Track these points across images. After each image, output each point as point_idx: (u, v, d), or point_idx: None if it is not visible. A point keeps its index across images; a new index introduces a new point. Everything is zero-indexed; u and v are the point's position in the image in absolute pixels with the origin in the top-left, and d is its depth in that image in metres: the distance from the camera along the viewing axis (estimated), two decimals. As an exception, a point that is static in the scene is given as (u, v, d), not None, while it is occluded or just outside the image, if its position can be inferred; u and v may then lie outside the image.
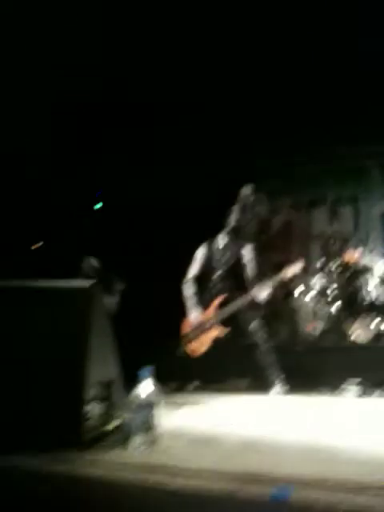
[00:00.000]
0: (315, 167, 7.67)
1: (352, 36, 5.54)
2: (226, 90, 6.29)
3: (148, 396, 2.12)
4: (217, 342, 5.34)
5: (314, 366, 5.35)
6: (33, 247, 6.82)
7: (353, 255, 4.90)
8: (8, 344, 2.31)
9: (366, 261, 4.93)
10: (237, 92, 6.30)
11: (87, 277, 6.15)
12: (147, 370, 2.12)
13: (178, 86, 5.99)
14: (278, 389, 4.67)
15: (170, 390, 4.85)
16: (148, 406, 2.12)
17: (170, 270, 5.49)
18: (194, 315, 4.99)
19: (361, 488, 1.62)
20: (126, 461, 1.93)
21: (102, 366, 2.40)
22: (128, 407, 2.16)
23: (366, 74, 6.17)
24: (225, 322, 5.07)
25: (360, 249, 5.49)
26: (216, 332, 4.96)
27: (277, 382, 4.71)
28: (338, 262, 6.12)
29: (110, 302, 6.08)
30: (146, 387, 2.13)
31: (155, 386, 2.11)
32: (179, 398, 4.44)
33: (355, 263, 4.99)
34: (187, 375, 5.44)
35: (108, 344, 2.47)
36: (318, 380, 5.01)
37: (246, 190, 5.14)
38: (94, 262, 6.34)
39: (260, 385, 4.91)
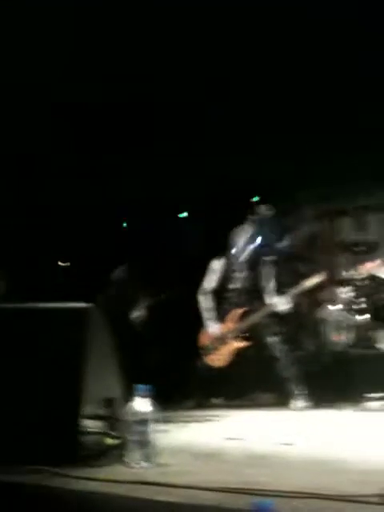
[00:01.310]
0: (342, 175, 7.59)
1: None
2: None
3: (145, 412, 2.10)
4: (240, 356, 5.30)
5: (341, 377, 5.23)
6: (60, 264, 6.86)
7: (372, 265, 4.81)
8: (8, 363, 2.34)
9: (379, 270, 4.82)
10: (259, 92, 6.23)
11: (117, 288, 6.23)
12: (144, 386, 2.11)
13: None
14: (300, 403, 4.58)
15: (191, 406, 4.84)
16: (145, 421, 2.10)
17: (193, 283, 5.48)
18: (213, 327, 4.96)
19: (349, 499, 1.57)
20: (121, 477, 1.92)
21: (102, 384, 2.40)
22: (126, 424, 2.15)
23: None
24: (246, 335, 5.02)
25: (378, 259, 5.38)
26: (237, 344, 4.91)
27: (299, 396, 4.62)
28: (363, 272, 5.99)
29: (136, 315, 6.12)
30: (142, 403, 2.11)
31: (152, 402, 2.09)
32: (197, 413, 4.39)
33: (374, 274, 4.89)
34: (210, 391, 5.40)
35: (109, 364, 2.48)
36: (344, 392, 4.90)
37: (260, 208, 5.13)
38: (123, 273, 6.40)
39: (284, 400, 4.83)
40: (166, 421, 3.63)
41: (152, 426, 2.09)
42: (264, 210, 5.41)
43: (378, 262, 4.95)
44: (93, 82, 5.19)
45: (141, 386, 2.11)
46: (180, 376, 5.36)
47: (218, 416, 4.20)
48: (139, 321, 6.15)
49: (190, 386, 5.16)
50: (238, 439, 2.83)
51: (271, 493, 1.61)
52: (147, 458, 2.09)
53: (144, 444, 2.10)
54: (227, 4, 4.40)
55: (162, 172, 6.72)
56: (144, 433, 2.09)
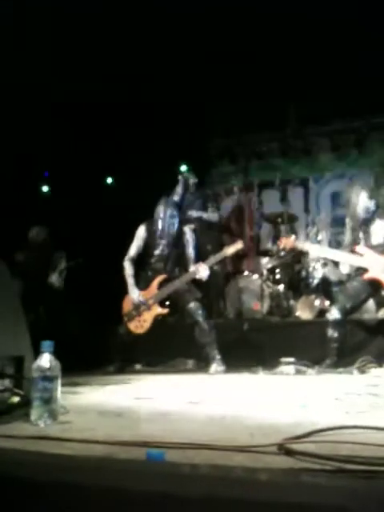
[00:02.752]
0: (266, 148, 7.71)
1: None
2: (181, 69, 6.24)
3: (49, 368, 2.09)
4: (162, 322, 5.36)
5: (258, 343, 5.42)
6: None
7: (289, 241, 4.96)
8: None
9: (301, 246, 4.99)
10: (191, 70, 6.25)
11: (33, 248, 6.10)
12: (48, 343, 2.09)
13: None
14: (217, 367, 4.69)
15: (112, 371, 4.87)
16: (49, 378, 2.09)
17: (117, 249, 5.46)
18: (135, 293, 4.97)
19: (242, 449, 1.63)
20: (22, 432, 1.91)
21: (9, 342, 2.36)
22: (29, 381, 2.13)
23: (315, 54, 6.18)
24: (166, 301, 5.07)
25: (294, 235, 5.56)
26: (157, 310, 4.95)
27: (217, 360, 4.74)
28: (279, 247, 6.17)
29: (54, 279, 6.04)
30: (46, 361, 2.09)
31: (55, 359, 2.08)
32: (115, 377, 4.43)
33: (291, 249, 5.06)
34: (132, 356, 5.46)
35: (16, 321, 2.43)
36: (260, 358, 5.07)
37: (184, 173, 5.13)
38: (42, 232, 6.28)
39: (203, 365, 4.95)
40: (83, 383, 3.65)
41: (57, 383, 2.08)
42: (189, 178, 5.42)
43: (291, 238, 5.12)
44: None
45: (46, 343, 2.09)
46: (102, 341, 5.37)
47: (135, 379, 4.25)
48: (58, 283, 6.08)
49: (111, 351, 5.18)
50: (146, 399, 2.87)
51: (165, 445, 1.65)
52: (51, 415, 2.09)
53: (48, 401, 2.09)
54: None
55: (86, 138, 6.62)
56: (48, 389, 2.08)
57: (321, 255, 5.08)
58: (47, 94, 5.78)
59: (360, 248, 4.67)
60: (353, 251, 4.72)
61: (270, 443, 1.65)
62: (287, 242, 5.05)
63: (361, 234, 4.70)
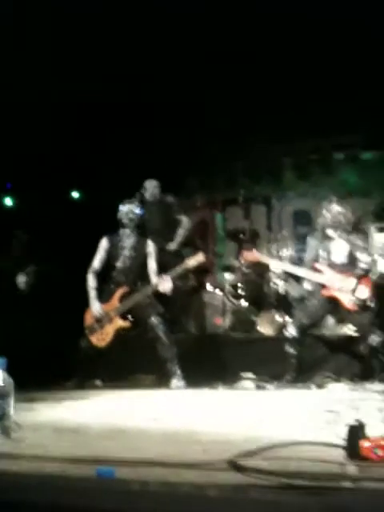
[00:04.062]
0: (230, 165, 7.80)
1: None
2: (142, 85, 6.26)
3: (2, 385, 2.07)
4: (123, 337, 5.33)
5: (219, 359, 5.43)
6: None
7: (250, 255, 5.02)
8: None
9: (264, 259, 5.06)
10: (151, 88, 6.28)
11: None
12: (2, 359, 2.07)
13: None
14: (178, 383, 4.69)
15: (72, 386, 4.81)
16: (2, 395, 2.07)
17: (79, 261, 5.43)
18: (96, 306, 4.94)
19: (192, 466, 1.65)
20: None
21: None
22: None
23: (282, 74, 6.29)
24: (128, 314, 5.05)
25: (259, 249, 5.64)
26: (119, 323, 4.92)
27: (178, 376, 4.73)
28: (243, 261, 6.25)
29: (20, 280, 5.96)
30: (1, 376, 2.07)
31: (9, 377, 2.06)
32: (74, 393, 4.38)
33: (253, 262, 5.12)
34: (93, 371, 5.39)
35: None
36: (221, 373, 5.08)
37: (149, 185, 5.13)
38: (23, 237, 6.24)
39: (164, 380, 4.92)
40: (40, 399, 3.61)
41: (9, 400, 2.06)
42: (152, 189, 5.43)
43: (254, 251, 5.19)
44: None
45: (-1, 359, 2.07)
46: (62, 355, 5.31)
47: (94, 395, 4.21)
48: (23, 286, 6.00)
49: (71, 366, 5.12)
50: (104, 416, 2.86)
51: (116, 462, 1.65)
52: (3, 432, 2.06)
53: (1, 417, 2.07)
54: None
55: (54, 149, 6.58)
56: (0, 407, 2.06)
57: (281, 269, 5.14)
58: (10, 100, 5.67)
59: (320, 265, 4.76)
60: (313, 268, 4.81)
61: (220, 459, 1.67)
62: (249, 255, 5.10)
63: (321, 252, 4.80)
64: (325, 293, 4.70)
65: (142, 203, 5.10)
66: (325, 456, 1.74)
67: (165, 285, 4.78)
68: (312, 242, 4.98)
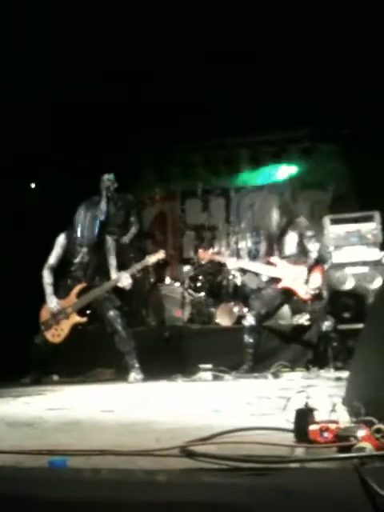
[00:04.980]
0: (188, 158, 7.84)
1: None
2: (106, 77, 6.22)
3: None
4: (81, 331, 5.32)
5: (178, 350, 5.48)
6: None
7: (206, 254, 5.11)
8: None
9: (220, 258, 5.16)
10: (113, 78, 6.24)
11: None
12: None
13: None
14: (136, 376, 4.71)
15: (28, 382, 4.77)
16: None
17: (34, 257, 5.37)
18: (52, 302, 4.91)
19: (145, 453, 1.68)
20: None
21: None
22: None
23: (238, 68, 6.34)
24: (86, 309, 5.04)
25: (213, 248, 5.73)
26: (75, 319, 4.91)
27: (136, 369, 4.75)
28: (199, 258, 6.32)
29: None
30: None
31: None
32: (31, 389, 4.35)
33: (209, 261, 5.22)
34: (50, 366, 5.37)
35: None
36: (180, 364, 5.13)
37: (106, 179, 5.11)
38: None
39: (122, 373, 4.94)
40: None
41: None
42: (109, 183, 5.41)
43: (210, 251, 5.31)
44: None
45: None
46: (17, 352, 5.25)
47: (51, 390, 4.19)
48: None
49: (28, 362, 5.07)
50: (59, 409, 2.86)
51: (70, 452, 1.67)
52: None
53: None
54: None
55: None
56: None
57: (237, 266, 5.25)
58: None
59: (274, 259, 4.87)
60: (268, 262, 4.92)
61: (172, 446, 1.70)
62: (205, 254, 5.19)
63: (275, 246, 4.92)
64: (279, 285, 4.80)
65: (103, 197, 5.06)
66: (274, 440, 1.79)
67: (124, 281, 4.80)
68: (265, 236, 5.11)
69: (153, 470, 1.49)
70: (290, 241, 4.91)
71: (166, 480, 1.44)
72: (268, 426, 1.99)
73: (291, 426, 1.89)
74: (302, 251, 4.88)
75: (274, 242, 4.92)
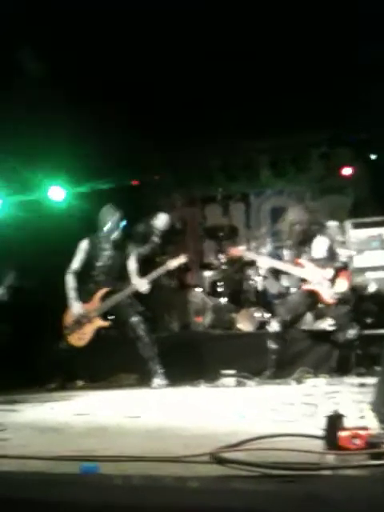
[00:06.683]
0: (208, 163, 7.84)
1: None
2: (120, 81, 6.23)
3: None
4: (104, 337, 5.35)
5: (200, 356, 5.47)
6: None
7: (236, 251, 5.08)
8: None
9: (251, 256, 5.13)
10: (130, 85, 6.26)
11: None
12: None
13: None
14: (159, 381, 4.72)
15: (53, 388, 4.81)
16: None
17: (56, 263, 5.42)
18: (76, 307, 4.94)
19: (175, 460, 1.68)
20: None
21: None
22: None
23: (260, 72, 6.32)
24: (108, 314, 5.07)
25: (243, 245, 5.69)
26: (98, 323, 4.94)
27: (159, 374, 4.76)
28: (227, 257, 6.32)
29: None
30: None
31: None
32: (56, 394, 4.39)
33: (239, 258, 5.19)
34: (74, 372, 5.41)
35: None
36: (202, 370, 5.12)
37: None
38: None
39: (145, 379, 4.95)
40: (22, 401, 3.61)
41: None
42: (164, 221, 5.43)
43: (240, 248, 5.26)
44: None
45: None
46: (42, 357, 5.30)
47: (76, 396, 4.22)
48: (2, 298, 5.96)
49: (51, 368, 5.11)
50: (86, 415, 2.88)
51: (99, 458, 1.68)
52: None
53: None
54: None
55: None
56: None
57: (267, 265, 5.18)
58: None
59: (302, 260, 4.86)
60: (296, 263, 4.91)
61: (202, 453, 1.70)
62: (236, 251, 5.15)
63: (303, 248, 4.91)
64: (305, 287, 4.78)
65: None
66: (304, 446, 1.79)
67: (142, 286, 4.83)
68: (293, 239, 5.07)
69: (184, 477, 1.49)
70: (320, 244, 4.90)
71: (197, 487, 1.44)
72: (297, 433, 1.98)
73: (320, 432, 1.88)
74: (331, 256, 4.86)
75: (302, 246, 4.92)
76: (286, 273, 5.13)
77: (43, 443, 2.05)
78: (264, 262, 5.17)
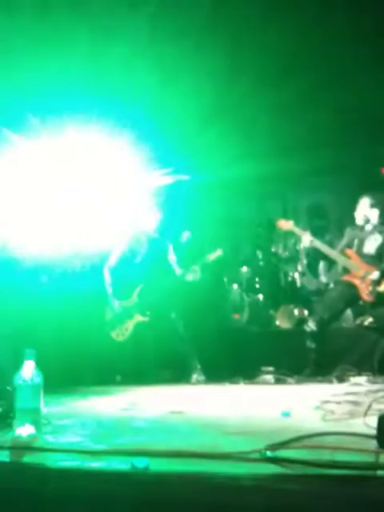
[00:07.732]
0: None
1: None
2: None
3: (31, 379, 2.08)
4: (142, 331, 5.35)
5: (238, 353, 5.43)
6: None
7: (286, 223, 5.01)
8: None
9: (297, 231, 5.03)
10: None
11: None
12: (30, 351, 2.08)
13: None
14: (196, 377, 4.70)
15: (94, 382, 4.83)
16: (30, 388, 2.08)
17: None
18: (115, 302, 4.96)
19: (224, 456, 1.65)
20: (6, 443, 1.90)
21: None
22: (12, 390, 2.12)
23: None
24: (147, 309, 5.06)
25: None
26: (138, 319, 4.96)
27: (198, 370, 4.74)
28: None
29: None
30: (29, 370, 2.09)
31: (36, 368, 2.08)
32: (98, 388, 4.40)
33: (288, 230, 5.11)
34: (113, 367, 5.41)
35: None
36: (240, 367, 5.08)
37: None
38: None
39: (183, 375, 4.93)
40: (65, 394, 3.63)
41: (39, 393, 2.08)
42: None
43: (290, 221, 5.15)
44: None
45: (29, 351, 2.08)
46: (83, 352, 5.32)
47: (117, 390, 4.22)
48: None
49: (92, 362, 5.14)
50: (130, 409, 2.87)
51: (149, 453, 1.66)
52: (34, 425, 2.07)
53: (30, 411, 2.08)
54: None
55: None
56: (30, 399, 2.07)
57: (312, 245, 5.03)
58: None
59: (350, 251, 4.77)
60: (343, 253, 4.82)
61: (252, 450, 1.67)
62: (286, 224, 5.06)
63: (355, 241, 4.82)
64: (345, 278, 4.69)
65: None
66: (357, 446, 1.73)
67: (192, 274, 4.82)
68: (348, 231, 4.97)
69: (237, 475, 1.46)
70: (373, 241, 4.80)
71: (251, 485, 1.41)
72: (349, 431, 1.93)
73: (372, 431, 1.83)
74: (380, 253, 4.75)
75: (355, 238, 4.82)
76: (328, 258, 4.99)
77: (89, 439, 2.04)
78: (307, 240, 4.99)
